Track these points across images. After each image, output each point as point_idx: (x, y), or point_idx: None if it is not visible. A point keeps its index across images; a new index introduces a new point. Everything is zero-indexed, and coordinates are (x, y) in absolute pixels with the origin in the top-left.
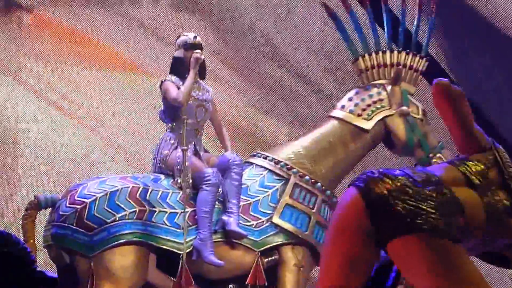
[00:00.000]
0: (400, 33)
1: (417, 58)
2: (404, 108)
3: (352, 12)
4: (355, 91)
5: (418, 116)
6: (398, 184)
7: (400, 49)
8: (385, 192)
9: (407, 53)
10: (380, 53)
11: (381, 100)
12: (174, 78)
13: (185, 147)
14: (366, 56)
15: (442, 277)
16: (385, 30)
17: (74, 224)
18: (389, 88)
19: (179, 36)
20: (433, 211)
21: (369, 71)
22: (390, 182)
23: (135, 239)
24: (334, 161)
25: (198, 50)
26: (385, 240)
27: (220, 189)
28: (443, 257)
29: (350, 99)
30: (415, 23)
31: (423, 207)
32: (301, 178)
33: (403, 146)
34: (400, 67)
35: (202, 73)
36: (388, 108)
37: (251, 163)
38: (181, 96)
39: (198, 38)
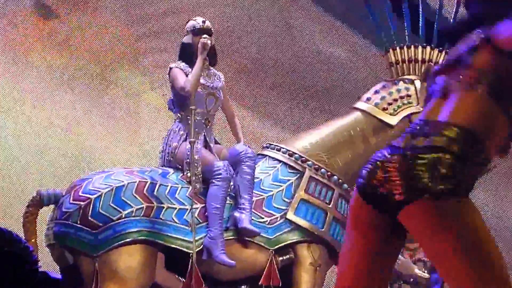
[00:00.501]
0: (435, 27)
1: None
2: None
3: (388, 4)
4: (383, 84)
5: None
6: (391, 167)
7: (433, 45)
8: (377, 184)
9: (440, 51)
10: (412, 47)
11: (408, 96)
12: (182, 64)
13: (193, 139)
14: (398, 49)
15: (449, 237)
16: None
17: (78, 222)
18: (418, 84)
19: (188, 21)
20: (427, 175)
21: (400, 64)
22: (382, 171)
23: (142, 237)
24: (352, 155)
25: (205, 35)
26: (393, 212)
27: (231, 184)
28: (444, 218)
29: (376, 92)
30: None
31: (419, 173)
32: (316, 171)
33: None
34: (431, 63)
35: (212, 59)
36: (415, 105)
37: (264, 155)
38: (188, 85)
39: (207, 23)
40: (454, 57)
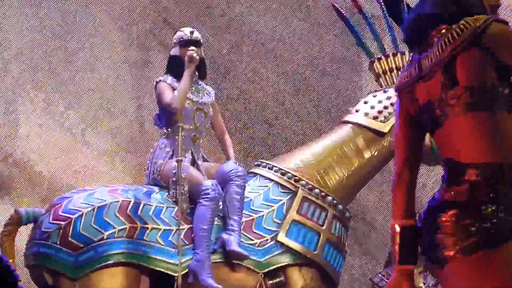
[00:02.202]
0: None
1: None
2: None
3: (364, 13)
4: (372, 94)
5: None
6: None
7: None
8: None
9: None
10: (399, 54)
11: None
12: (170, 78)
13: (180, 158)
14: (383, 58)
15: None
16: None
17: (58, 243)
18: None
19: (175, 32)
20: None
21: (387, 74)
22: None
23: (124, 259)
24: (347, 172)
25: (192, 47)
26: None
27: (220, 204)
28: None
29: (365, 102)
30: None
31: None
32: (310, 191)
33: (427, 152)
34: None
35: (202, 72)
36: None
37: (255, 174)
38: (175, 102)
39: (196, 34)
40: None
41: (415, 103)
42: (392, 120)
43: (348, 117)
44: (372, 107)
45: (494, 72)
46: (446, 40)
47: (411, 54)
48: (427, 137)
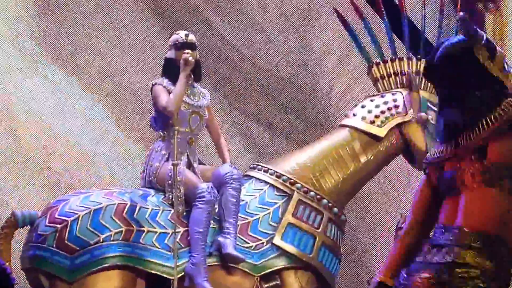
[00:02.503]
0: (421, 42)
1: None
2: (423, 114)
3: (365, 19)
4: (370, 98)
5: None
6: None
7: (419, 57)
8: None
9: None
10: (397, 60)
11: (396, 106)
12: (165, 81)
13: (176, 161)
14: (381, 64)
15: None
16: (405, 39)
17: (54, 246)
18: (406, 94)
19: (171, 35)
20: None
21: (385, 79)
22: None
23: (120, 262)
24: (343, 175)
25: (188, 50)
26: None
27: (215, 207)
28: None
29: (363, 107)
30: (437, 31)
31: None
32: (305, 194)
33: (423, 156)
34: (412, 72)
35: (197, 75)
36: (404, 114)
37: (251, 177)
38: (170, 105)
39: (191, 36)
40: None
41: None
42: (389, 125)
43: (345, 121)
44: (369, 112)
45: None
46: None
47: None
48: (422, 143)
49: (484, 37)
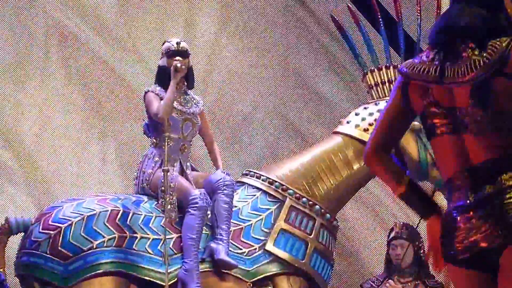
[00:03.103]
0: (416, 51)
1: None
2: (416, 123)
3: (361, 26)
4: (363, 106)
5: None
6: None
7: None
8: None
9: None
10: (391, 68)
11: None
12: (158, 89)
13: (167, 168)
14: (376, 71)
15: None
16: (400, 47)
17: (48, 252)
18: None
19: (164, 43)
20: None
21: (379, 86)
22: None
23: (114, 269)
24: (335, 182)
25: (178, 58)
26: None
27: (208, 213)
28: None
29: (356, 114)
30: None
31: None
32: (297, 200)
33: (416, 166)
34: None
35: (190, 82)
36: None
37: (243, 183)
38: (161, 112)
39: (183, 44)
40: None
41: (426, 100)
42: None
43: (339, 128)
44: (363, 119)
45: None
46: (477, 62)
47: (428, 51)
48: (415, 152)
49: None
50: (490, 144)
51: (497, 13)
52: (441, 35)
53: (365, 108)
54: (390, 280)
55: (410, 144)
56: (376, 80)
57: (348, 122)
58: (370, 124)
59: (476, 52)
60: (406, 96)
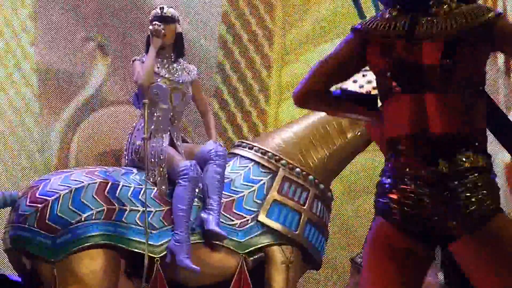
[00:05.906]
0: None
1: None
2: None
3: None
4: (362, 73)
5: None
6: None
7: None
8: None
9: None
10: None
11: None
12: (145, 57)
13: (146, 136)
14: None
15: None
16: None
17: (35, 226)
18: None
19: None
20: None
21: None
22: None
23: (103, 241)
24: (329, 152)
25: (156, 22)
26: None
27: (199, 184)
28: None
29: (354, 81)
30: None
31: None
32: (291, 170)
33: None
34: None
35: (179, 49)
36: None
37: (236, 154)
38: (140, 78)
39: (168, 10)
40: None
41: (387, 58)
42: (379, 101)
43: None
44: (361, 87)
45: (486, 58)
46: (454, 20)
47: (389, 8)
48: None
49: None
50: (450, 108)
51: None
52: None
53: (363, 75)
54: None
55: None
56: None
57: None
58: (368, 92)
59: (449, 8)
60: (362, 53)
